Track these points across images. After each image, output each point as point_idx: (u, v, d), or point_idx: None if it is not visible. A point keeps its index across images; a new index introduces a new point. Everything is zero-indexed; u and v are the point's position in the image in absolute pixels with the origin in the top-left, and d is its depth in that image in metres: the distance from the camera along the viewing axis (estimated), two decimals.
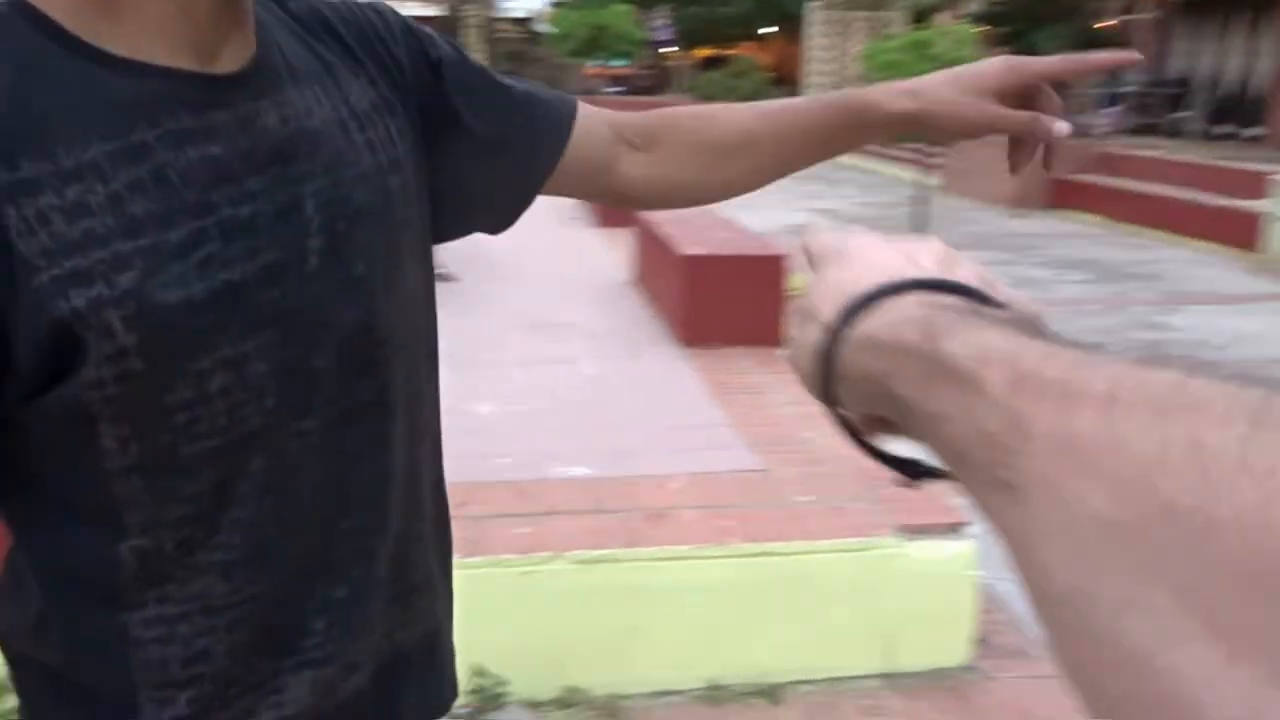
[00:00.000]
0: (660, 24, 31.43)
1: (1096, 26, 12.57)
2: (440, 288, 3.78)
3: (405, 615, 0.84)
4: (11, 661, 0.76)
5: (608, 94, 16.19)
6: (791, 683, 2.54)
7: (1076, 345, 0.34)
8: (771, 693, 2.50)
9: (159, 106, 0.63)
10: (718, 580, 2.47)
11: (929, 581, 2.58)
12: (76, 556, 0.68)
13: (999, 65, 0.85)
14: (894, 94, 0.87)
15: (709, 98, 24.97)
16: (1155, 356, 0.31)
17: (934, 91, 0.86)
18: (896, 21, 17.92)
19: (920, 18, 15.41)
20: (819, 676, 2.56)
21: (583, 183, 0.91)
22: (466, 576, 2.34)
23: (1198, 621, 0.24)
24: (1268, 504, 0.23)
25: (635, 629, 2.46)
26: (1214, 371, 0.28)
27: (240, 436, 0.67)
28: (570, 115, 0.88)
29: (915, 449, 0.44)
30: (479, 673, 2.38)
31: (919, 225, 9.32)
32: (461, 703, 2.35)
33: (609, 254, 6.42)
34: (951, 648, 2.64)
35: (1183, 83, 15.82)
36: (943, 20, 12.97)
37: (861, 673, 2.57)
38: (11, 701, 0.81)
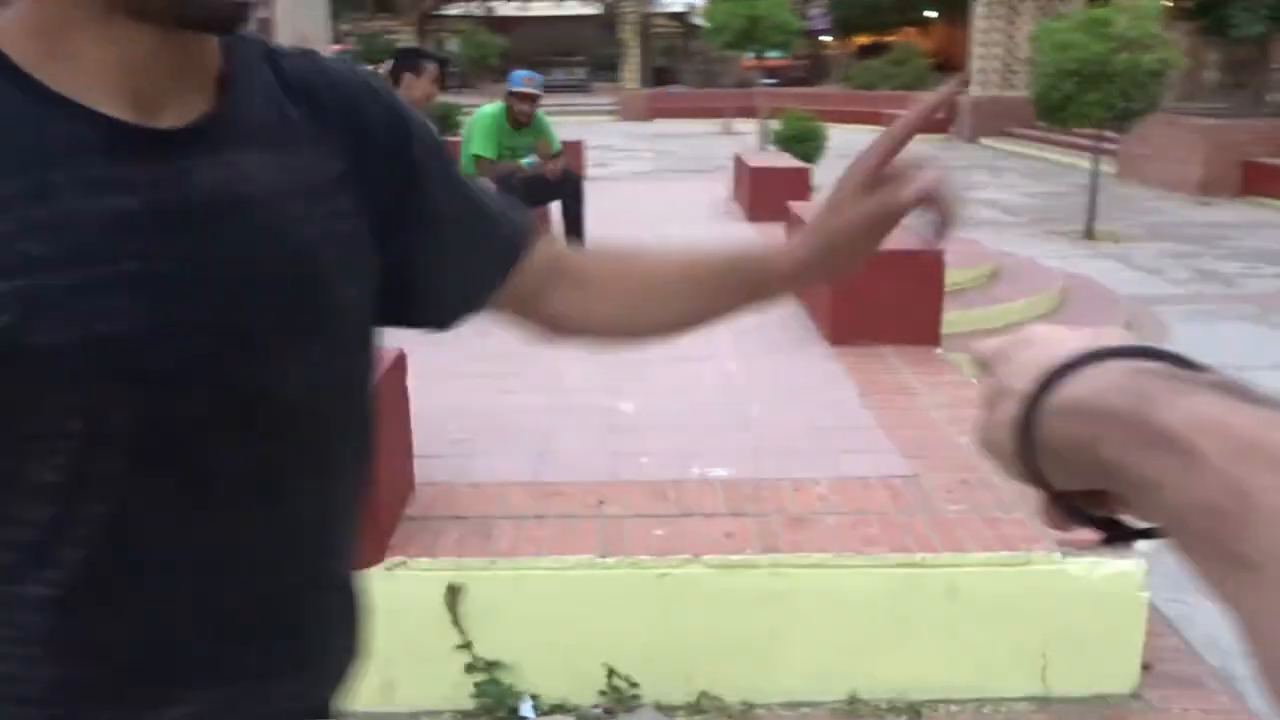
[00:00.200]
0: (816, 12, 30.87)
1: None
2: None
3: (273, 691, 0.78)
4: None
5: (763, 85, 15.98)
6: (935, 700, 2.42)
7: None
8: (914, 710, 2.40)
9: (81, 150, 0.63)
10: (860, 590, 2.39)
11: (1091, 601, 2.41)
12: None
13: (857, 160, 0.83)
14: (783, 253, 0.86)
15: (867, 86, 24.39)
16: None
17: (817, 225, 0.84)
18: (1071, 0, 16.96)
19: None
20: (965, 696, 2.43)
21: (517, 304, 0.89)
22: (601, 577, 2.36)
23: None
24: None
25: (772, 636, 2.40)
26: None
27: (87, 478, 0.65)
28: (527, 239, 0.87)
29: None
30: (611, 673, 2.38)
31: (1092, 215, 8.78)
32: (592, 703, 2.37)
33: None
34: (1115, 673, 2.46)
35: None
36: None
37: (1012, 695, 2.43)
38: None
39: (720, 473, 2.83)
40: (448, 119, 12.21)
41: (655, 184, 10.81)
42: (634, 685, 2.40)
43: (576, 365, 3.90)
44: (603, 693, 2.39)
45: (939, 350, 4.02)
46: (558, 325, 0.91)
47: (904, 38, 31.44)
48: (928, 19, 33.19)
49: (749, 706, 2.41)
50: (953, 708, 2.42)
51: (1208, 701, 2.46)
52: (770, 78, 24.42)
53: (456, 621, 2.34)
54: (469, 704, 2.37)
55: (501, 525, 2.50)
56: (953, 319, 4.84)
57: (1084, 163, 9.26)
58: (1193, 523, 0.35)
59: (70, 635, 0.69)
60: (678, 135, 19.66)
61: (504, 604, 2.36)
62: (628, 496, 2.67)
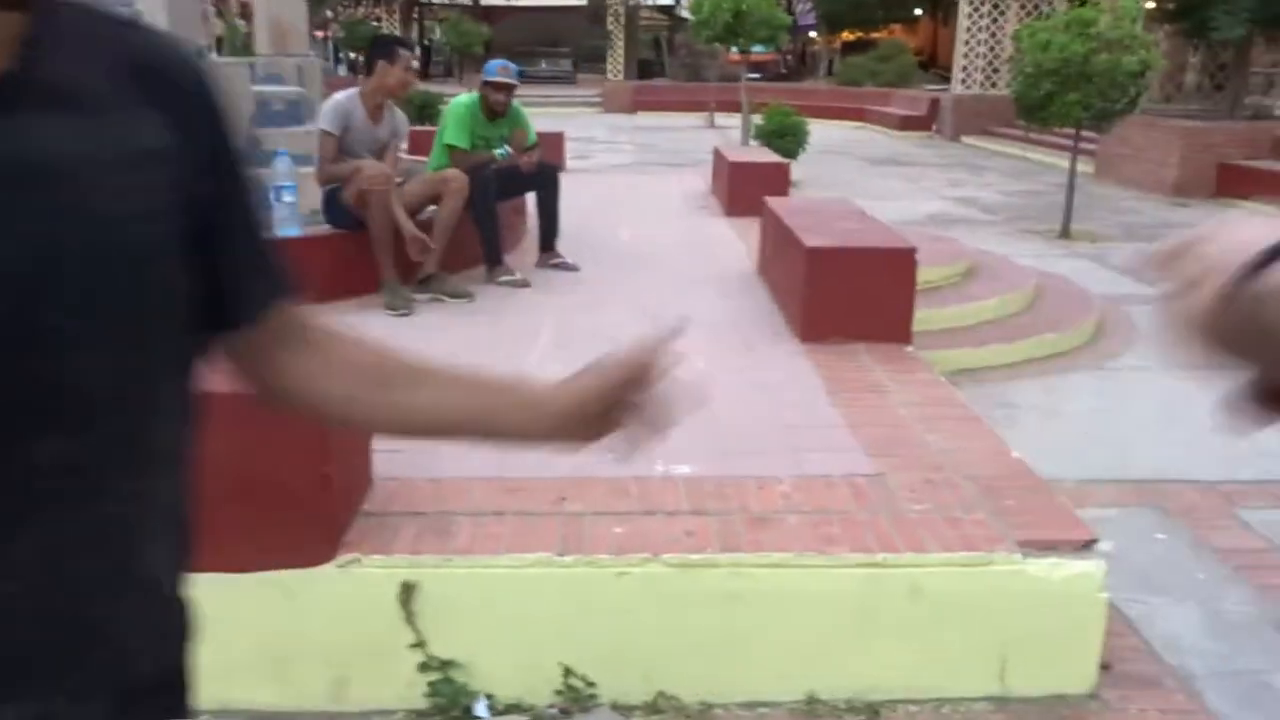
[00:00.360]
0: (803, 7, 30.86)
1: None
2: (559, 277, 3.84)
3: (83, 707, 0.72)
4: None
5: (748, 80, 15.95)
6: (894, 700, 2.42)
7: None
8: (872, 710, 2.39)
9: None
10: (820, 590, 2.37)
11: (1051, 602, 2.40)
12: None
13: (632, 353, 0.91)
14: (541, 399, 0.89)
15: (852, 82, 24.40)
16: None
17: (576, 387, 0.90)
18: None
19: None
20: (924, 696, 2.42)
21: (251, 354, 0.84)
22: (559, 575, 2.34)
23: None
24: None
25: (731, 636, 2.38)
26: None
27: None
28: (284, 289, 0.84)
29: None
30: (567, 673, 2.35)
31: (1068, 215, 8.81)
32: (548, 702, 2.35)
33: (737, 244, 6.32)
34: (1073, 674, 2.46)
35: None
36: None
37: (971, 695, 2.43)
38: None
39: (684, 470, 2.81)
40: (427, 108, 12.12)
41: (635, 177, 10.78)
42: (591, 685, 2.38)
43: (547, 358, 3.88)
44: (559, 692, 2.37)
45: (910, 348, 4.02)
46: (277, 387, 0.86)
47: (890, 34, 31.50)
48: (914, 16, 33.27)
49: (707, 706, 2.39)
50: (911, 708, 2.42)
51: (1165, 701, 2.47)
52: (755, 72, 24.40)
53: (411, 620, 2.31)
54: (423, 703, 2.35)
55: (460, 522, 2.47)
56: (925, 317, 4.84)
57: (1063, 162, 9.28)
58: None
59: None
60: (661, 128, 19.62)
61: (460, 602, 2.33)
62: (590, 493, 2.64)
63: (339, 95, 4.72)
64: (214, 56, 8.53)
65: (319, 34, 31.61)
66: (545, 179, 5.48)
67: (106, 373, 0.67)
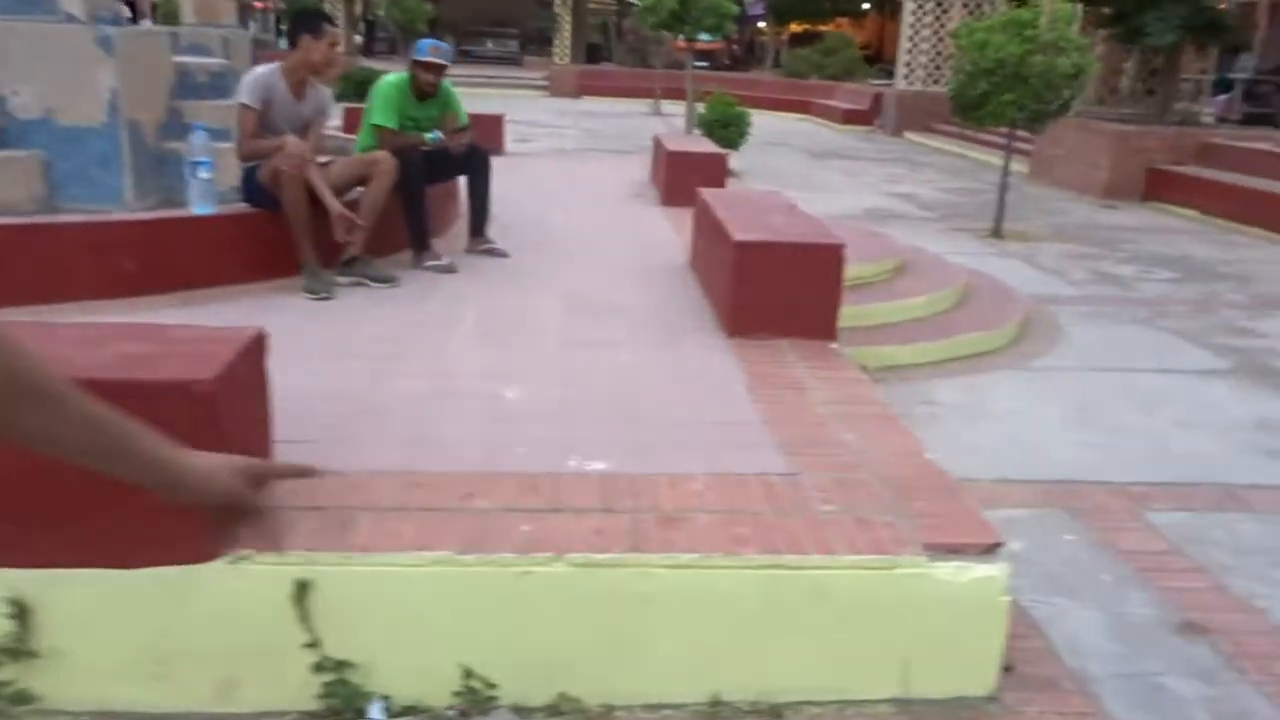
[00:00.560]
0: None
1: (1212, 8, 11.79)
2: (488, 263, 3.73)
3: None
4: None
5: (695, 68, 15.89)
6: (797, 702, 2.41)
7: None
8: (775, 712, 2.38)
9: None
10: (726, 591, 2.35)
11: (954, 605, 2.41)
12: None
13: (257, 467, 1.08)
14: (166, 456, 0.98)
15: (798, 74, 24.50)
16: None
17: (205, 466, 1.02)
18: None
19: None
20: (827, 698, 2.42)
21: None
22: (459, 574, 2.28)
23: None
24: None
25: (635, 638, 2.35)
26: None
27: None
28: None
29: None
30: (467, 674, 2.30)
31: (1001, 214, 8.93)
32: (447, 704, 2.30)
33: (671, 235, 6.28)
34: (974, 676, 2.47)
35: None
36: None
37: (873, 697, 2.43)
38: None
39: (598, 466, 2.77)
40: (368, 85, 11.86)
41: (576, 163, 10.69)
42: (491, 686, 2.33)
43: (466, 350, 3.81)
44: (458, 694, 2.32)
45: (835, 345, 4.02)
46: None
47: (838, 28, 31.69)
48: (862, 10, 33.52)
49: (609, 708, 2.36)
50: (815, 709, 2.41)
51: (1063, 704, 2.50)
52: (702, 60, 24.38)
53: (304, 619, 2.24)
54: (315, 705, 2.28)
55: (361, 518, 2.40)
56: (855, 313, 4.86)
57: (1000, 161, 9.40)
58: None
59: None
60: (606, 114, 19.51)
61: (357, 601, 2.27)
62: (498, 489, 2.59)
63: (260, 69, 4.58)
64: (147, 24, 8.21)
65: (259, 4, 30.82)
66: (476, 163, 5.39)
67: None
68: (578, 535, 2.38)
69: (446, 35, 31.18)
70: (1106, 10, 12.55)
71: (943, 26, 18.34)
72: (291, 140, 4.39)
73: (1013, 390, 4.83)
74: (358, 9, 30.28)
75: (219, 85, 5.44)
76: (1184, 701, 2.53)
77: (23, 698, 2.22)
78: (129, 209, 4.65)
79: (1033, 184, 12.44)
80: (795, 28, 34.10)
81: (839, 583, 2.37)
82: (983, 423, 4.39)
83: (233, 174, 4.68)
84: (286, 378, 3.21)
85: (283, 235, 4.43)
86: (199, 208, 4.45)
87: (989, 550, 2.45)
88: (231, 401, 2.22)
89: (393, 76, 5.18)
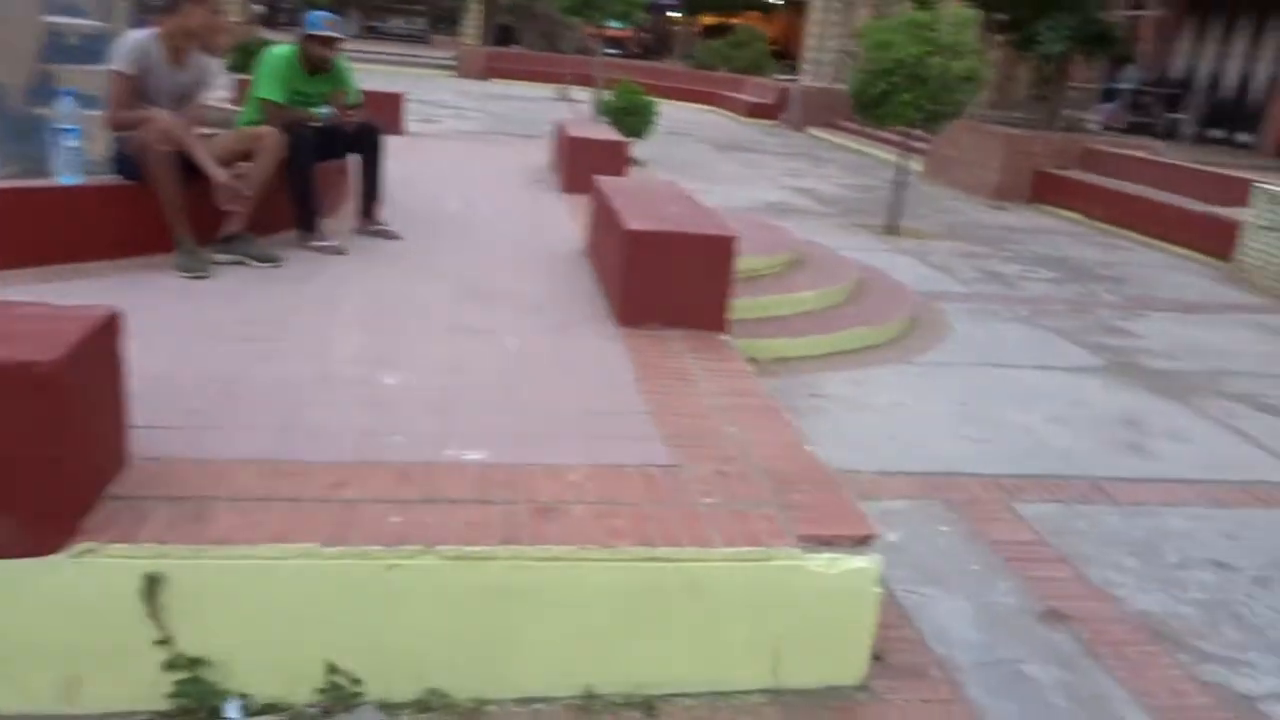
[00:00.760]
0: None
1: (1100, 21, 12.27)
2: (378, 245, 3.62)
3: None
4: None
5: (605, 55, 15.81)
6: (671, 695, 2.41)
7: None
8: (648, 705, 2.37)
9: None
10: (600, 584, 2.33)
11: (826, 596, 2.44)
12: None
13: None
14: None
15: (707, 66, 24.62)
16: None
17: None
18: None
19: None
20: (700, 690, 2.43)
21: None
22: (323, 567, 2.21)
23: None
24: None
25: (507, 631, 2.32)
26: None
27: None
28: None
29: None
30: (331, 670, 2.23)
31: (896, 211, 9.14)
32: (309, 701, 2.22)
33: (569, 222, 6.23)
34: (844, 666, 2.52)
35: (1183, 83, 15.61)
36: (946, 2, 12.62)
37: (745, 688, 2.45)
38: None
39: (475, 456, 2.72)
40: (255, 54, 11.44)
41: (478, 146, 10.52)
42: (356, 682, 2.27)
43: (348, 334, 3.70)
44: (321, 690, 2.25)
45: (725, 336, 4.04)
46: None
47: (749, 21, 31.96)
48: (772, 5, 33.86)
49: (480, 703, 2.32)
50: (688, 701, 2.42)
51: (929, 691, 2.56)
52: (613, 48, 24.30)
53: (155, 615, 2.14)
54: (166, 705, 2.18)
55: (220, 508, 2.30)
56: (747, 305, 4.91)
57: (898, 160, 9.62)
58: None
59: None
60: (513, 97, 19.28)
61: (212, 596, 2.17)
62: (370, 479, 2.51)
63: (137, 33, 4.34)
64: None
65: None
66: (368, 141, 5.24)
67: None
68: (450, 527, 2.33)
69: (353, 10, 30.31)
70: (1002, 17, 12.94)
71: (849, 25, 18.66)
72: (159, 113, 4.19)
73: (898, 384, 4.94)
74: None
75: (93, 48, 5.15)
76: (1042, 687, 2.62)
77: None
78: None
79: (928, 183, 12.77)
80: (707, 19, 34.26)
81: (713, 575, 2.38)
82: (867, 416, 4.48)
83: (105, 143, 4.45)
84: (152, 360, 3.08)
85: (157, 209, 4.23)
86: (65, 178, 4.21)
87: (862, 542, 2.49)
88: (78, 385, 2.10)
89: (280, 48, 4.99)
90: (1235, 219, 8.66)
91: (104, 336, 2.29)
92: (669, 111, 15.24)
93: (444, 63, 24.38)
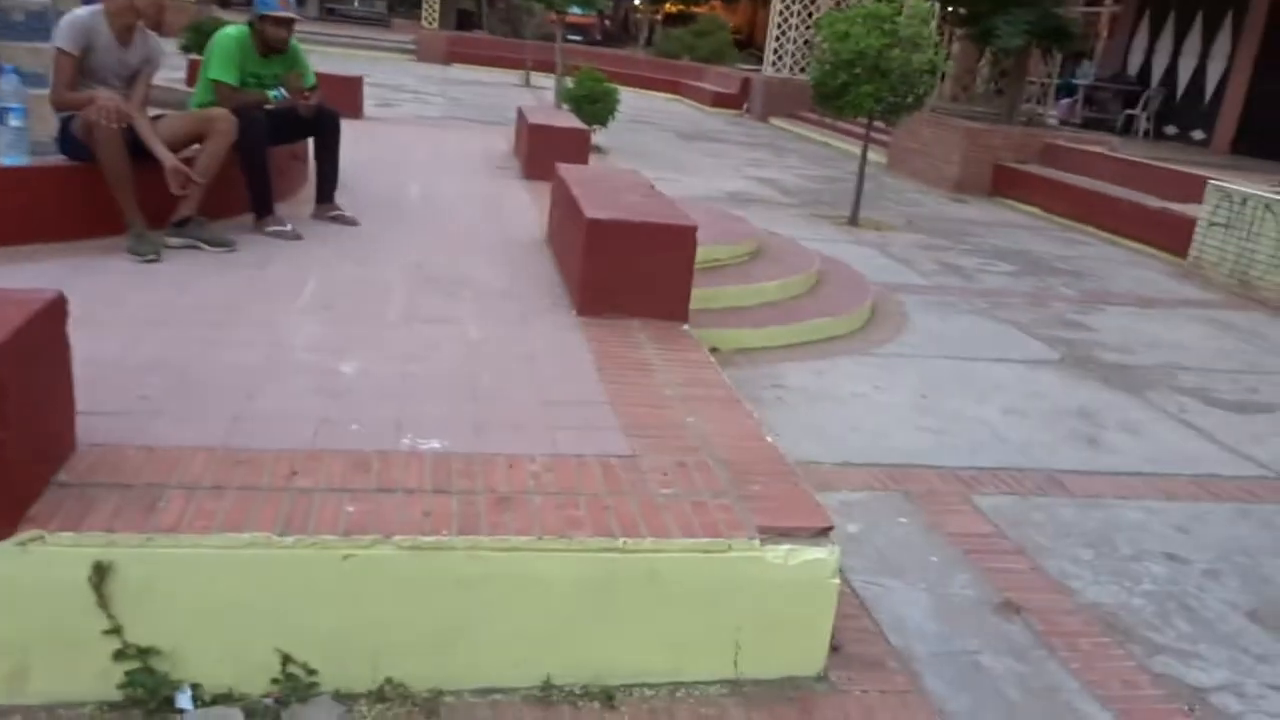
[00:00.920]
0: None
1: (1058, 16, 12.41)
2: (335, 231, 3.57)
3: None
4: None
5: (568, 41, 15.70)
6: (629, 685, 2.40)
7: None
8: (607, 695, 2.36)
9: None
10: (557, 575, 2.31)
11: (785, 587, 2.44)
12: None
13: None
14: None
15: (670, 54, 24.55)
16: None
17: None
18: None
19: None
20: (659, 680, 2.42)
21: None
22: (278, 557, 2.17)
23: None
24: None
25: (464, 621, 2.29)
26: None
27: None
28: None
29: None
30: (286, 660, 2.20)
31: (858, 203, 9.18)
32: (263, 692, 2.18)
33: (531, 209, 6.18)
34: (803, 657, 2.52)
35: (1139, 80, 15.84)
36: None
37: (704, 678, 2.45)
38: None
39: (433, 445, 2.68)
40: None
41: (439, 131, 10.40)
42: (312, 673, 2.23)
43: (303, 321, 3.64)
44: (276, 680, 2.21)
45: (686, 326, 4.03)
46: None
47: (712, 10, 31.91)
48: None
49: (437, 694, 2.30)
50: (647, 692, 2.41)
51: (886, 682, 2.57)
52: (575, 34, 24.13)
53: (104, 604, 2.09)
54: (116, 695, 2.13)
55: (171, 496, 2.25)
56: (708, 295, 4.90)
57: (860, 151, 9.66)
58: None
59: None
60: (474, 83, 19.10)
61: (163, 585, 2.12)
62: (325, 468, 2.47)
63: (81, 10, 4.22)
64: None
65: None
66: (325, 125, 5.15)
67: None
68: (406, 517, 2.30)
69: None
70: (961, 10, 13.03)
71: (811, 16, 18.69)
72: (103, 94, 4.08)
73: (858, 375, 4.97)
74: None
75: (38, 25, 5.02)
76: (997, 678, 2.65)
77: None
78: None
79: (890, 175, 12.86)
80: (670, 8, 34.17)
81: (672, 565, 2.37)
82: (827, 407, 4.50)
83: (51, 123, 4.33)
84: (101, 345, 3.01)
85: (106, 191, 4.12)
86: (8, 158, 4.08)
87: (821, 534, 2.49)
88: (21, 370, 2.04)
89: (232, 29, 4.88)
90: (1190, 215, 8.81)
91: (48, 320, 2.23)
92: (631, 100, 15.18)
93: (404, 46, 24.07)
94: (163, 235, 4.30)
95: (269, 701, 2.19)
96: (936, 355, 5.44)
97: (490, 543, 2.27)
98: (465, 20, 29.53)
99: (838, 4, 18.10)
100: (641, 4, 34.92)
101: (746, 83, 20.05)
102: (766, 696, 2.43)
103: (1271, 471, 4.31)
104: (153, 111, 4.54)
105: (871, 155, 9.71)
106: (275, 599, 2.19)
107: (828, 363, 5.09)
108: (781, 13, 19.19)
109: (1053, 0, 12.32)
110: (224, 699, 2.19)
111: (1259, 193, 7.96)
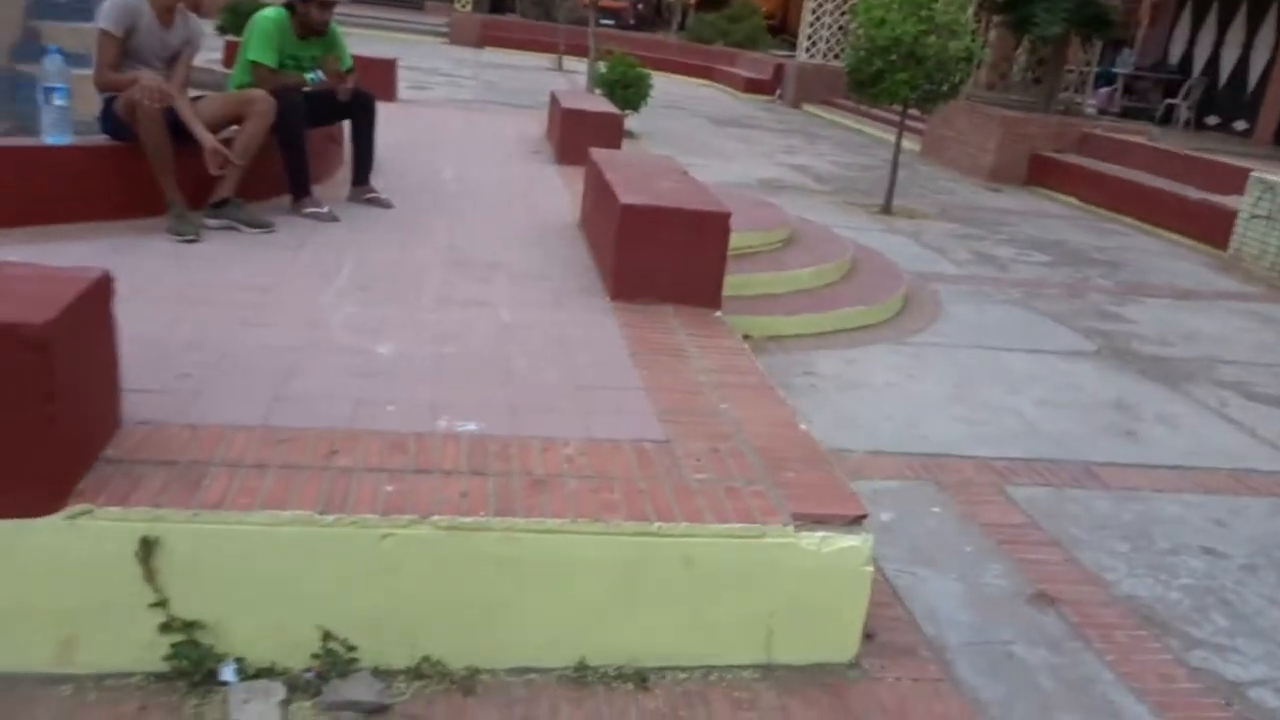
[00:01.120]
0: None
1: (1097, 3, 12.21)
2: (371, 213, 3.60)
3: None
4: None
5: (600, 25, 15.67)
6: (663, 668, 2.42)
7: None
8: (641, 677, 2.38)
9: None
10: (594, 557, 2.33)
11: (819, 574, 2.45)
12: None
13: None
14: None
15: (703, 39, 24.42)
16: None
17: None
18: None
19: None
20: (693, 664, 2.44)
21: None
22: (319, 534, 2.20)
23: None
24: None
25: (501, 601, 2.31)
26: None
27: None
28: None
29: None
30: (326, 636, 2.23)
31: (891, 191, 9.11)
32: (304, 666, 2.22)
33: (563, 194, 6.18)
34: (836, 644, 2.52)
35: (1181, 69, 15.58)
36: None
37: (737, 663, 2.46)
38: None
39: (469, 427, 2.70)
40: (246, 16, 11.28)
41: (472, 114, 10.42)
42: (351, 649, 2.26)
43: (340, 302, 3.67)
44: (316, 656, 2.25)
45: (718, 313, 4.02)
46: None
47: None
48: None
49: (473, 672, 2.32)
50: (680, 675, 2.42)
51: (919, 670, 2.57)
52: (608, 18, 24.05)
53: (151, 577, 2.13)
54: (162, 666, 2.17)
55: (215, 473, 2.28)
56: (740, 281, 4.89)
57: (894, 139, 9.57)
58: None
59: None
60: (507, 66, 19.10)
61: (208, 560, 2.16)
62: (364, 448, 2.50)
63: None
64: None
65: None
66: (361, 108, 5.18)
67: None
68: (443, 497, 2.32)
69: None
70: None
71: (846, 1, 18.52)
72: (146, 74, 4.12)
73: (891, 364, 4.94)
74: None
75: (80, 6, 5.08)
76: (1031, 668, 2.64)
77: None
78: None
79: (924, 163, 12.74)
80: None
81: (707, 551, 2.37)
82: (860, 395, 4.48)
83: (94, 103, 4.38)
84: (142, 323, 3.05)
85: (147, 171, 4.17)
86: (52, 137, 4.14)
87: (854, 521, 2.49)
88: (69, 347, 2.07)
89: (271, 11, 4.91)
90: (1231, 207, 8.66)
91: (96, 298, 2.27)
92: (663, 85, 15.13)
93: (437, 29, 24.10)
94: (201, 216, 4.35)
95: (310, 676, 2.23)
96: (970, 345, 5.40)
97: (526, 524, 2.29)
98: (498, 3, 29.52)
99: None
100: None
101: (779, 68, 19.91)
102: (799, 682, 2.44)
103: None
104: (191, 92, 4.58)
105: (905, 143, 9.61)
106: (316, 576, 2.23)
107: (860, 351, 5.06)
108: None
109: None
110: (266, 673, 2.22)
111: None
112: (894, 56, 8.43)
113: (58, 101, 4.10)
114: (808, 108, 18.34)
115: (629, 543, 2.33)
